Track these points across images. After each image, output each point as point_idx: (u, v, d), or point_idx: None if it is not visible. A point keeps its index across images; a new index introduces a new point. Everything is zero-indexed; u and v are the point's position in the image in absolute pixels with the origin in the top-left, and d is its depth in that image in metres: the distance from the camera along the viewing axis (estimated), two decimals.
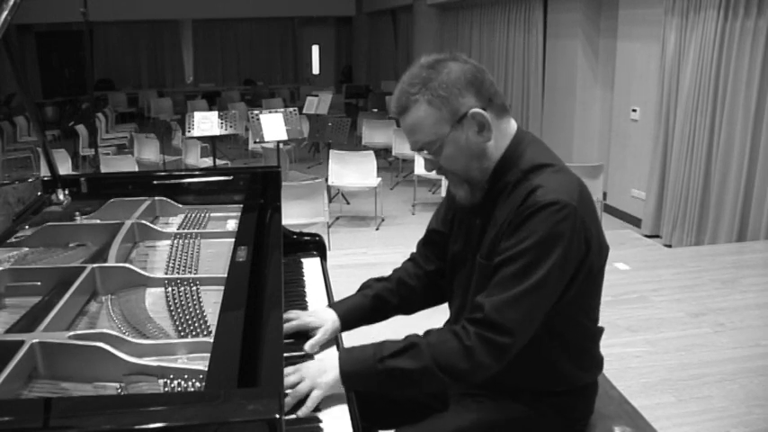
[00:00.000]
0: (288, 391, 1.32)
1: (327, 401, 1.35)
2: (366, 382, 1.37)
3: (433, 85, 1.34)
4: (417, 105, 1.36)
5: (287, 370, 1.35)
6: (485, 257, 1.42)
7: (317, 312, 1.63)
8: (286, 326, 1.56)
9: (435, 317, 1.70)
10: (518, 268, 1.31)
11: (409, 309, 1.69)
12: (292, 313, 1.61)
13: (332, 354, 1.40)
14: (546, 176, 1.35)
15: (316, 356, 1.49)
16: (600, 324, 1.55)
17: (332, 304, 1.67)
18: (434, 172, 1.45)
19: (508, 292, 1.31)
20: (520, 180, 1.37)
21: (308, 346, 1.53)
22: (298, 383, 1.34)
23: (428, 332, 1.39)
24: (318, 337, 1.55)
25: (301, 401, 1.32)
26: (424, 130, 1.37)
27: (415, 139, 1.40)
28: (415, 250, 1.74)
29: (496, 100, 1.40)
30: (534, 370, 1.47)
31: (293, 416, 1.30)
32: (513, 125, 1.45)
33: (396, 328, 1.68)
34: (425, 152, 1.40)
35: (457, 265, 1.56)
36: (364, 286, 1.69)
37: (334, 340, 1.60)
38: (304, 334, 1.58)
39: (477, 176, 1.42)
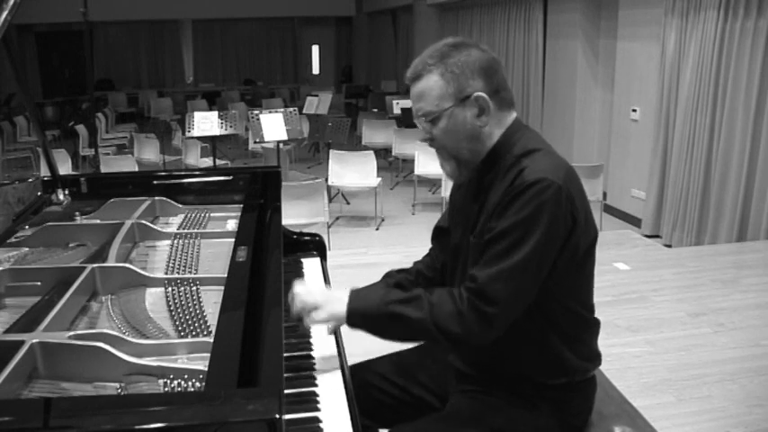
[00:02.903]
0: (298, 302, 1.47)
1: (327, 402, 1.35)
2: (368, 321, 1.45)
3: (449, 61, 1.42)
4: (430, 75, 1.44)
5: (301, 289, 1.50)
6: (477, 236, 1.48)
7: (333, 292, 1.60)
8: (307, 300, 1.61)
9: None
10: (507, 244, 1.37)
11: None
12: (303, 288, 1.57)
13: (344, 290, 1.49)
14: (534, 158, 1.42)
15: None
16: (600, 324, 1.57)
17: (354, 289, 1.68)
18: (427, 143, 1.51)
19: (498, 266, 1.37)
20: (513, 164, 1.43)
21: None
22: (314, 307, 1.45)
23: (432, 290, 1.45)
24: None
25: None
26: (428, 99, 1.45)
27: (419, 106, 1.47)
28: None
29: (503, 93, 1.47)
30: (532, 357, 1.49)
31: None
32: (512, 117, 1.51)
33: None
34: (423, 119, 1.47)
35: (457, 253, 1.60)
36: (386, 276, 1.76)
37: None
38: None
39: (466, 156, 1.49)
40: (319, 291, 1.51)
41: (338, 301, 1.46)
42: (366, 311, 1.45)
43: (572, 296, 1.48)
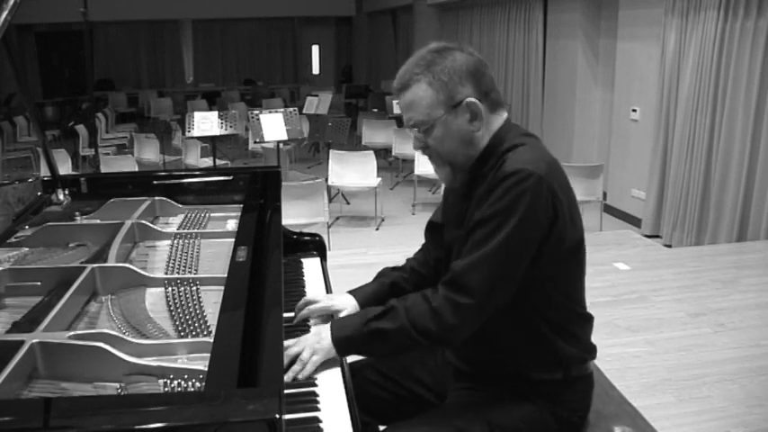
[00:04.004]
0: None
1: (327, 402, 1.35)
2: (355, 345, 1.47)
3: (435, 69, 1.42)
4: (418, 85, 1.44)
5: (287, 342, 1.45)
6: (463, 229, 1.48)
7: (337, 297, 1.72)
8: (311, 308, 1.67)
9: None
10: (484, 233, 1.37)
11: None
12: (312, 296, 1.72)
13: (326, 325, 1.50)
14: (517, 151, 1.42)
15: (312, 329, 1.60)
16: (594, 319, 1.57)
17: (350, 291, 1.74)
18: (420, 150, 1.52)
19: (473, 255, 1.37)
20: (498, 159, 1.44)
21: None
22: (299, 353, 1.43)
23: (405, 297, 1.46)
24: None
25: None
26: (419, 109, 1.45)
27: (410, 115, 1.47)
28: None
29: (492, 95, 1.47)
30: (527, 351, 1.49)
31: (295, 380, 1.41)
32: (503, 118, 1.51)
33: None
34: (416, 130, 1.47)
35: (449, 250, 1.60)
36: (380, 275, 1.77)
37: None
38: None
39: (461, 161, 1.49)
40: (303, 338, 1.48)
41: (325, 338, 1.46)
42: (350, 337, 1.45)
43: (558, 290, 1.48)
